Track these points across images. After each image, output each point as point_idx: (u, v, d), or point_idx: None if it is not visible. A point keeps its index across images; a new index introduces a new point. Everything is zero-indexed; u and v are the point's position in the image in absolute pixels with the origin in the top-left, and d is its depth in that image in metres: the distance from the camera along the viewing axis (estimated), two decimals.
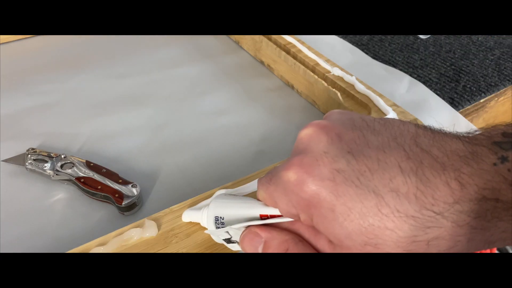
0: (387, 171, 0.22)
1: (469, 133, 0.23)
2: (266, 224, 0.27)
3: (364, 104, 0.48)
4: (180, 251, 0.33)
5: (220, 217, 0.29)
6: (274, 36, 0.58)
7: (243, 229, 0.28)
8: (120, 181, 0.41)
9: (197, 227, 0.35)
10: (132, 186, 0.41)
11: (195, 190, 0.39)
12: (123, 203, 0.40)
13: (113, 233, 0.34)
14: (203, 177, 0.45)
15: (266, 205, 0.27)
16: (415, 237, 0.21)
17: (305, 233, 0.26)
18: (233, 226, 0.28)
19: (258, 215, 0.27)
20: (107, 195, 0.41)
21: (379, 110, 0.47)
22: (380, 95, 0.48)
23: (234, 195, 0.32)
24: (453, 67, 0.62)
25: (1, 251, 0.37)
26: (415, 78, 0.60)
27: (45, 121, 0.51)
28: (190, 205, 0.36)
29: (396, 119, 0.25)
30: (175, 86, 0.58)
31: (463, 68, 0.62)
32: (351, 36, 0.69)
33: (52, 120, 0.51)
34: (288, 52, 0.57)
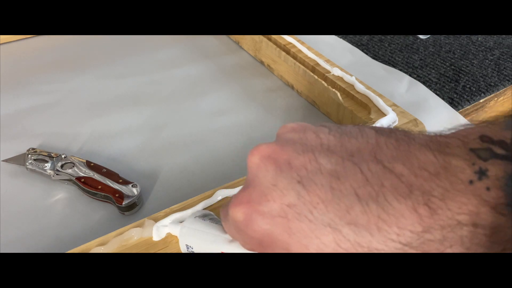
0: (342, 201, 0.20)
1: (441, 133, 0.20)
2: None
3: (364, 104, 0.48)
4: (180, 251, 0.33)
5: (190, 245, 0.29)
6: (274, 36, 0.58)
7: None
8: (120, 181, 0.41)
9: None
10: (132, 186, 0.41)
11: (195, 190, 0.39)
12: (123, 203, 0.40)
13: (113, 233, 0.34)
14: (203, 177, 0.45)
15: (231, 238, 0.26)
16: None
17: None
18: None
19: (220, 252, 0.27)
20: (108, 195, 0.41)
21: (378, 110, 0.47)
22: (380, 95, 0.48)
23: (208, 216, 0.30)
24: (452, 67, 0.62)
25: (1, 251, 0.37)
26: (415, 78, 0.60)
27: (46, 121, 0.51)
28: (190, 205, 0.36)
29: (356, 128, 0.22)
30: (175, 86, 0.58)
31: (462, 68, 0.62)
32: (351, 36, 0.69)
33: (53, 120, 0.51)
34: (288, 52, 0.57)
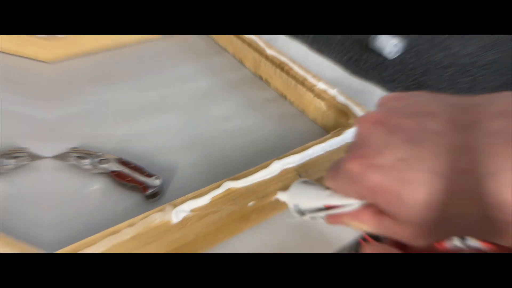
0: (449, 154, 0.19)
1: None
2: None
3: (344, 112, 0.48)
4: (194, 231, 0.33)
5: (296, 204, 0.29)
6: (270, 56, 0.58)
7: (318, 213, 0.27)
8: (146, 174, 0.41)
9: (207, 212, 0.34)
10: (155, 178, 0.41)
11: (206, 182, 0.39)
12: (148, 192, 0.39)
13: (140, 217, 0.34)
14: (213, 171, 0.44)
15: (334, 193, 0.25)
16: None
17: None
18: (305, 217, 0.28)
19: (323, 206, 0.26)
20: (135, 185, 0.40)
21: (356, 117, 0.46)
22: (357, 105, 0.48)
23: (307, 183, 0.30)
24: (415, 81, 0.62)
25: (47, 233, 0.37)
26: (385, 91, 0.60)
27: (86, 125, 0.51)
28: (202, 194, 0.36)
29: (454, 98, 0.21)
30: (190, 97, 0.57)
31: (423, 83, 0.62)
32: (333, 56, 0.69)
33: (91, 124, 0.51)
34: (282, 69, 0.56)
